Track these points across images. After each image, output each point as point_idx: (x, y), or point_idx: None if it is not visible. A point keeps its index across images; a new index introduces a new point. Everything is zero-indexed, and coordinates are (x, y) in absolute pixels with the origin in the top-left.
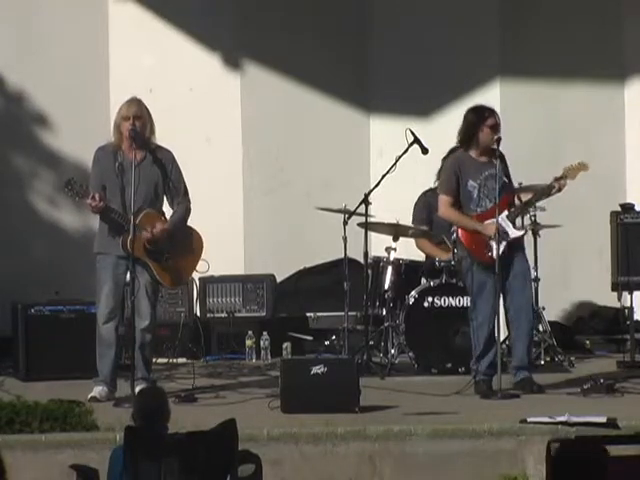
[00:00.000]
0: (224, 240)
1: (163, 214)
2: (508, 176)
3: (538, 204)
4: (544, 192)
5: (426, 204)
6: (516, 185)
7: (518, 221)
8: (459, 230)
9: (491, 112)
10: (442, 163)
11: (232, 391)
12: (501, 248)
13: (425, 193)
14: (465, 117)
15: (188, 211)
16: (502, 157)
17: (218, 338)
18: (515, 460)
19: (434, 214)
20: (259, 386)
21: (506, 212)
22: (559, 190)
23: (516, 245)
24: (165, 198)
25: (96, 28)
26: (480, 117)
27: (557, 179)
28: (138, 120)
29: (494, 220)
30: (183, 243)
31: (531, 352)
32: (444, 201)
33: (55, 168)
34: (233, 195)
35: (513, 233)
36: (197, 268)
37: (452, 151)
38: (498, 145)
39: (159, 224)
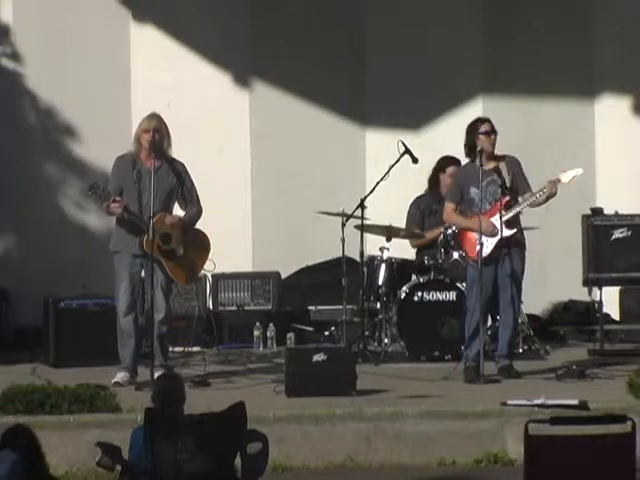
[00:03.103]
0: (234, 240)
1: None
2: (517, 180)
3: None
4: (537, 194)
5: (418, 209)
6: None
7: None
8: (460, 232)
9: (482, 120)
10: (432, 172)
11: (241, 377)
12: (490, 246)
13: (417, 199)
14: (465, 132)
15: (199, 213)
16: (511, 161)
17: (229, 329)
18: (496, 439)
19: (426, 218)
20: (266, 372)
21: (498, 214)
22: (552, 193)
23: (513, 246)
24: (178, 205)
25: (119, 49)
26: (474, 128)
27: (550, 182)
28: (157, 133)
29: (487, 219)
30: (192, 244)
31: (513, 343)
32: (448, 208)
33: (82, 175)
34: (242, 200)
35: (504, 232)
36: (205, 267)
37: (441, 161)
38: (493, 153)
39: (176, 228)
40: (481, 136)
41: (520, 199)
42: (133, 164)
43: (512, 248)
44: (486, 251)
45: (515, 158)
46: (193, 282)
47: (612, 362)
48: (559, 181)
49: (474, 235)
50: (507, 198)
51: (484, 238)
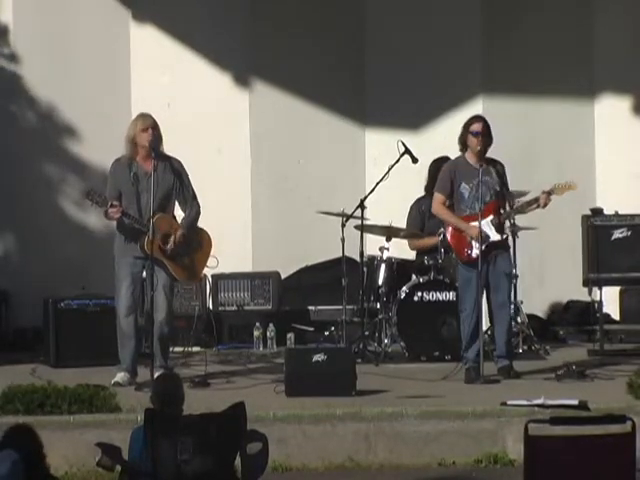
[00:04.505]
0: (234, 240)
1: (174, 217)
2: (504, 184)
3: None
4: (530, 203)
5: (419, 211)
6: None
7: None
8: (448, 231)
9: (475, 119)
10: (429, 178)
11: (241, 377)
12: (477, 251)
13: (418, 201)
14: (462, 127)
15: (198, 214)
16: (500, 167)
17: (229, 329)
18: (496, 439)
19: (426, 221)
20: (266, 372)
21: (491, 217)
22: (544, 205)
23: (500, 246)
24: (178, 203)
25: (119, 48)
26: (466, 125)
27: (545, 192)
28: (155, 130)
29: (478, 223)
30: (194, 242)
31: (511, 343)
32: (437, 199)
33: (82, 175)
34: (242, 200)
35: (493, 237)
36: (208, 264)
37: (436, 161)
38: (482, 154)
39: (177, 229)
40: (470, 135)
41: (513, 205)
42: (129, 167)
43: (500, 250)
44: (475, 252)
45: (502, 164)
46: (197, 280)
47: (612, 362)
48: (552, 192)
49: (464, 237)
50: (497, 202)
51: (474, 242)
